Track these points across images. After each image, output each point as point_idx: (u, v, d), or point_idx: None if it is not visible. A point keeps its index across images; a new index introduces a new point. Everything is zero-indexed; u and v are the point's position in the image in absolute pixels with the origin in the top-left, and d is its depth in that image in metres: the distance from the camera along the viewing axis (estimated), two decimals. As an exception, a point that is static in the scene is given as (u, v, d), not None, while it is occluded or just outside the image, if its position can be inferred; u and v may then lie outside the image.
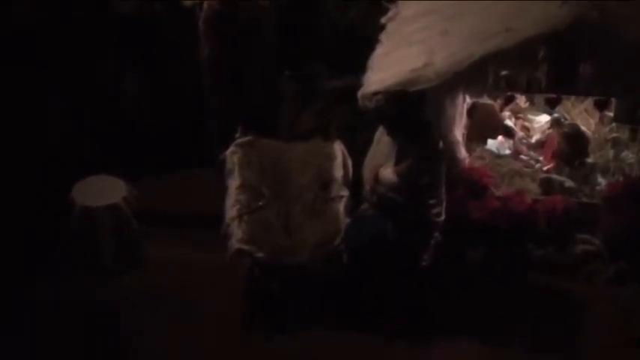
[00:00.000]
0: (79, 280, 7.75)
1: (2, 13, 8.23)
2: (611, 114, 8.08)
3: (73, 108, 8.68)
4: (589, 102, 8.03)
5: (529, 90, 7.45)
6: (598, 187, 7.85)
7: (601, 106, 7.75)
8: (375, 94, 7.06)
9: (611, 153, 8.08)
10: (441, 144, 6.90)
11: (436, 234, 7.04)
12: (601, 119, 8.24)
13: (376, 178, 6.97)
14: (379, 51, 7.61)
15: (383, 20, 7.85)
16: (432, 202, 6.84)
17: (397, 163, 6.85)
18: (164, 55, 8.75)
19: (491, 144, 8.21)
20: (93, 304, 7.53)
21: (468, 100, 7.92)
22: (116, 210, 7.73)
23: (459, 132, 7.73)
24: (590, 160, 8.02)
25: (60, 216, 7.80)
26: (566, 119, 8.25)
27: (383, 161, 7.00)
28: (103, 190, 7.83)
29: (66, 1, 8.43)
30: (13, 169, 8.12)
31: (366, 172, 7.22)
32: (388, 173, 6.87)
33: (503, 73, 7.16)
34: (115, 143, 8.54)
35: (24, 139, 8.31)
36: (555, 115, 8.22)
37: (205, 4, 8.37)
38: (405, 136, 6.82)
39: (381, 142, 7.12)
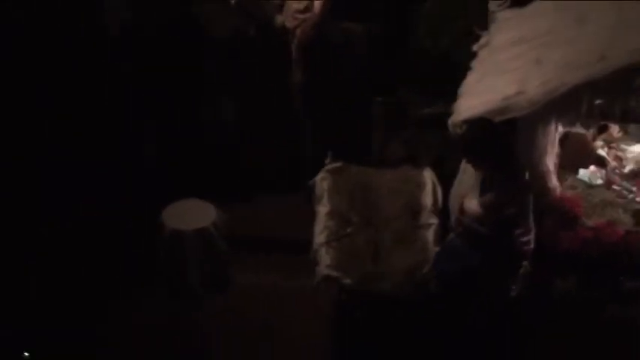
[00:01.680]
0: (166, 303, 7.82)
1: (100, 35, 8.37)
2: None
3: (165, 132, 8.78)
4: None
5: (623, 119, 7.33)
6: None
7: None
8: (465, 121, 7.02)
9: None
10: (527, 174, 6.83)
11: (525, 263, 6.95)
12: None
13: (461, 209, 6.92)
14: (470, 78, 7.57)
15: (475, 48, 7.81)
16: (519, 232, 6.76)
17: (482, 194, 6.78)
18: (256, 80, 8.81)
19: (584, 173, 8.08)
20: (179, 328, 7.59)
21: (561, 128, 7.81)
22: (205, 234, 7.78)
23: (550, 161, 7.62)
24: (685, 191, 7.88)
25: (150, 239, 7.88)
26: (661, 149, 8.13)
27: (468, 191, 6.95)
28: (193, 214, 7.88)
29: (160, 25, 8.55)
30: (106, 192, 8.24)
31: (452, 202, 7.17)
32: (473, 204, 6.81)
33: (597, 101, 7.06)
34: (206, 167, 8.62)
35: (119, 162, 8.42)
36: (650, 144, 8.11)
37: (298, 30, 8.44)
38: (492, 166, 6.74)
39: (467, 172, 7.06)
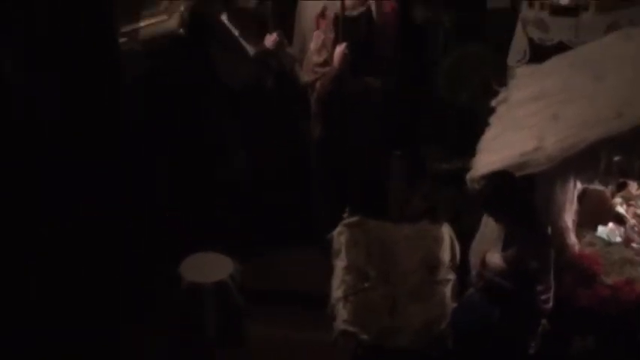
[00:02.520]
0: (181, 355, 7.80)
1: (115, 83, 8.41)
2: None
3: (180, 183, 8.80)
4: None
5: (642, 177, 7.35)
6: None
7: None
8: (483, 177, 7.03)
9: None
10: (549, 229, 6.82)
11: (543, 321, 6.93)
12: None
13: (483, 263, 6.90)
14: (489, 134, 7.59)
15: (493, 103, 7.84)
16: (540, 288, 6.75)
17: (504, 248, 6.78)
18: (273, 131, 8.85)
19: (602, 231, 8.06)
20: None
21: (579, 185, 7.81)
22: (222, 287, 7.76)
23: (568, 218, 7.61)
24: None
25: (167, 290, 7.89)
26: (680, 207, 8.10)
27: (490, 246, 6.93)
28: (211, 267, 7.87)
29: (176, 74, 8.60)
30: (125, 243, 8.26)
31: (473, 257, 7.15)
32: (495, 258, 6.81)
33: (615, 158, 7.07)
34: (222, 220, 8.63)
35: (137, 215, 8.45)
36: (669, 202, 8.08)
37: (318, 84, 8.48)
38: (512, 221, 6.76)
39: (488, 226, 7.05)
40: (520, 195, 6.77)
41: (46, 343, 7.59)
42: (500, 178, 6.82)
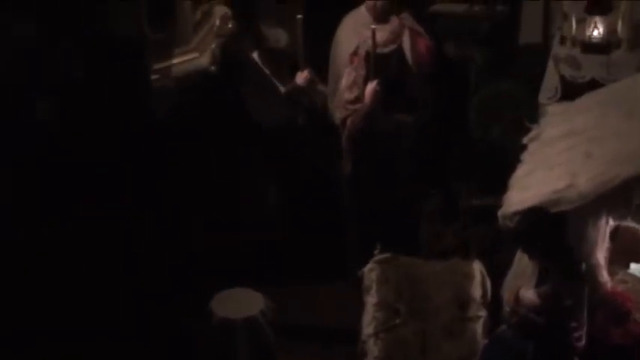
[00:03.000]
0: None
1: (145, 119, 8.47)
2: None
3: (214, 220, 8.83)
4: None
5: (675, 214, 7.31)
6: None
7: None
8: (515, 214, 7.01)
9: None
10: (583, 266, 6.80)
11: (576, 359, 6.88)
12: None
13: (517, 299, 6.87)
14: (520, 171, 7.55)
15: (525, 140, 7.82)
16: (573, 325, 6.71)
17: (538, 284, 6.75)
18: (305, 169, 8.87)
19: (635, 268, 8.00)
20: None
21: (611, 222, 7.77)
22: (253, 323, 7.77)
23: (601, 255, 7.56)
24: None
25: (198, 327, 7.91)
26: None
27: (524, 282, 6.90)
28: (242, 303, 7.89)
29: (207, 111, 8.65)
30: (155, 278, 8.28)
31: (506, 293, 7.10)
32: (529, 294, 6.77)
33: (649, 196, 7.05)
34: (255, 256, 8.65)
35: (167, 248, 8.49)
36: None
37: (349, 120, 8.51)
38: (546, 258, 6.74)
39: (522, 262, 7.02)
40: (554, 232, 6.75)
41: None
42: (535, 215, 6.81)
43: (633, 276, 7.96)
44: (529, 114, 8.16)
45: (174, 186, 8.54)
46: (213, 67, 8.71)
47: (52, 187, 7.75)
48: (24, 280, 7.64)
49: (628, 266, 8.04)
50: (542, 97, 8.71)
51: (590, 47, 8.62)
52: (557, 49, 8.79)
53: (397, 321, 7.45)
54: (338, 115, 8.70)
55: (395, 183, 8.55)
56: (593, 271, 7.36)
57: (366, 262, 7.84)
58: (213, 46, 8.81)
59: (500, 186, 7.48)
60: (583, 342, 6.80)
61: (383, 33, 8.50)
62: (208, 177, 8.72)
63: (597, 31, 8.64)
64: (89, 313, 7.88)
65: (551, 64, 8.76)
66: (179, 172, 8.57)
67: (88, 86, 7.86)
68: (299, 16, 8.58)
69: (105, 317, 7.92)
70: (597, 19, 8.65)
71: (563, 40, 8.76)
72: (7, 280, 7.58)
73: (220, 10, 9.00)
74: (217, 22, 8.92)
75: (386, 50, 8.53)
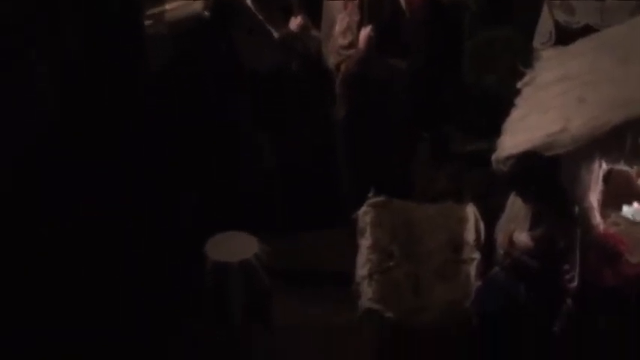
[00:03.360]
0: (207, 337, 7.87)
1: (139, 70, 8.46)
2: None
3: (205, 166, 8.86)
4: None
5: (667, 157, 7.35)
6: None
7: None
8: (509, 158, 7.05)
9: None
10: (576, 209, 6.85)
11: (568, 300, 6.95)
12: None
13: (511, 242, 6.93)
14: (514, 115, 7.60)
15: (519, 85, 7.85)
16: (566, 267, 6.77)
17: (532, 227, 6.81)
18: (298, 115, 8.88)
19: (627, 210, 8.07)
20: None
21: (604, 165, 7.82)
22: (247, 266, 7.78)
23: (593, 198, 7.63)
24: None
25: (192, 271, 7.94)
26: None
27: (517, 225, 6.96)
28: (236, 247, 7.89)
29: (200, 59, 8.65)
30: (151, 226, 8.33)
31: (500, 236, 7.17)
32: (523, 237, 6.83)
33: (641, 139, 7.09)
34: (248, 200, 8.68)
35: (167, 198, 8.52)
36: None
37: (343, 66, 8.51)
38: (540, 201, 6.78)
39: (515, 205, 7.07)
40: (548, 175, 6.80)
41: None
42: (529, 159, 6.85)
43: (625, 218, 8.03)
44: (523, 59, 8.19)
45: (170, 135, 8.55)
46: (206, 13, 8.68)
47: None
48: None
49: (620, 209, 8.10)
50: (537, 43, 8.74)
51: (584, -7, 8.64)
52: (552, -5, 8.81)
53: (391, 263, 7.49)
54: (332, 60, 8.70)
55: (388, 127, 8.56)
56: (586, 214, 7.43)
57: (361, 206, 7.89)
58: (205, -9, 8.79)
59: (493, 130, 7.54)
60: (575, 283, 6.87)
61: (377, -22, 8.49)
62: (203, 124, 8.70)
63: (592, -23, 8.66)
64: (79, 263, 7.92)
65: (545, 9, 8.77)
66: (175, 121, 8.58)
67: (84, 36, 7.88)
68: (292, -40, 8.57)
69: (97, 267, 7.97)
70: (592, -35, 8.66)
71: (557, -14, 8.78)
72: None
73: (213, -44, 8.96)
74: (211, -32, 8.88)
75: (380, -5, 8.53)
